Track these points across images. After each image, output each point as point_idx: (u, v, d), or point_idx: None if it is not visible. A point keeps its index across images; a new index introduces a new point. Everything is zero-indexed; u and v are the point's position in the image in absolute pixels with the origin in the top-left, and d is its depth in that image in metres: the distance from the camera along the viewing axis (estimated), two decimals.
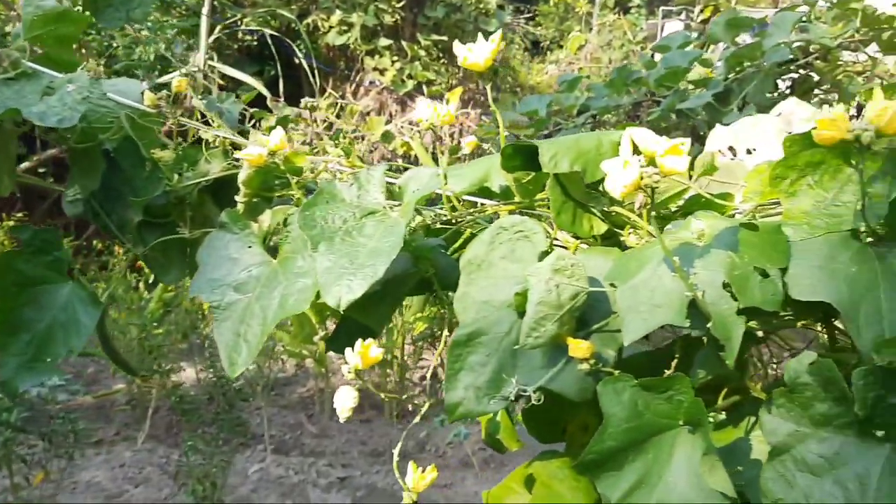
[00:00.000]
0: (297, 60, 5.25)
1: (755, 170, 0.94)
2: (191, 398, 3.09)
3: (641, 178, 0.66)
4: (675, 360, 0.88)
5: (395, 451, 0.94)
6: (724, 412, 0.88)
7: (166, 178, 1.15)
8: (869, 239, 0.79)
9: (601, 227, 0.97)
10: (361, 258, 0.92)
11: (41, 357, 1.10)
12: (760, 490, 0.78)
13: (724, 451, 0.92)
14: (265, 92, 4.54)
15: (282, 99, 3.93)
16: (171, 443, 3.38)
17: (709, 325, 0.73)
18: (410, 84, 5.41)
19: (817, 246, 0.78)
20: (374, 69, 5.53)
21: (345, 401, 0.89)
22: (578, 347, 0.83)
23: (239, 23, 5.86)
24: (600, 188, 0.93)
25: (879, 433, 0.72)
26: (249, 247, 1.10)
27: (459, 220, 1.04)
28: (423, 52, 5.70)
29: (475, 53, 0.97)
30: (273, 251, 1.09)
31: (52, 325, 1.12)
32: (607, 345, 0.87)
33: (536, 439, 1.12)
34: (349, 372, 0.89)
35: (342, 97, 5.67)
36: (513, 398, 0.86)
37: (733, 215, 0.89)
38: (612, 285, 0.83)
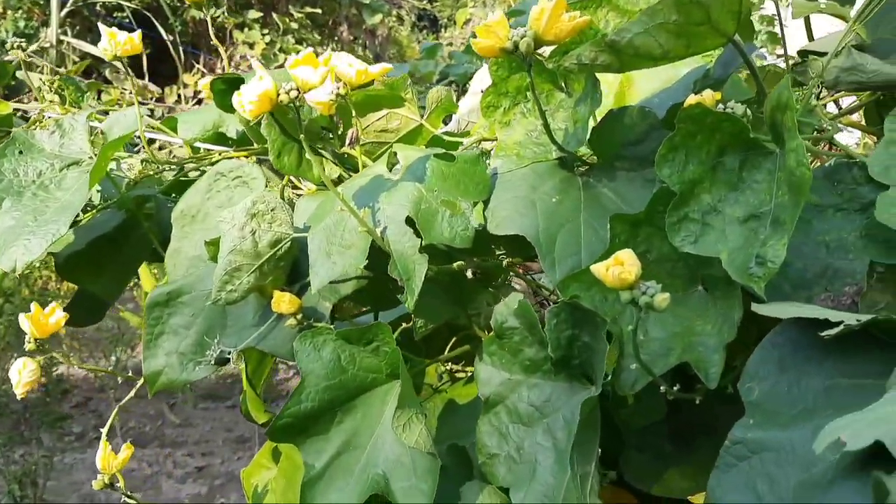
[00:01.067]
0: (168, 37, 4.96)
1: None
2: (2, 393, 2.87)
3: (277, 94, 0.57)
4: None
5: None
6: (450, 362, 0.81)
7: None
8: (582, 169, 0.73)
9: (335, 171, 0.88)
10: (48, 214, 0.81)
11: None
12: (476, 445, 0.71)
13: (469, 406, 0.86)
14: (122, 67, 4.25)
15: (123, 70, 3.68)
16: (17, 441, 3.13)
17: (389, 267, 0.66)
18: (282, 58, 5.20)
19: (522, 177, 0.71)
20: (244, 43, 5.30)
21: (19, 374, 0.77)
22: (281, 301, 0.75)
23: None
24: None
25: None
26: None
27: (184, 169, 0.94)
28: (295, 26, 5.49)
29: None
30: None
31: None
32: (326, 297, 0.79)
33: None
34: (28, 342, 0.77)
35: (212, 72, 5.40)
36: (213, 361, 0.77)
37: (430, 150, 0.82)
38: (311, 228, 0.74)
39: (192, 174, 0.94)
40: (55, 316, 0.76)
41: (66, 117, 0.90)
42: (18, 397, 0.79)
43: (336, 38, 6.34)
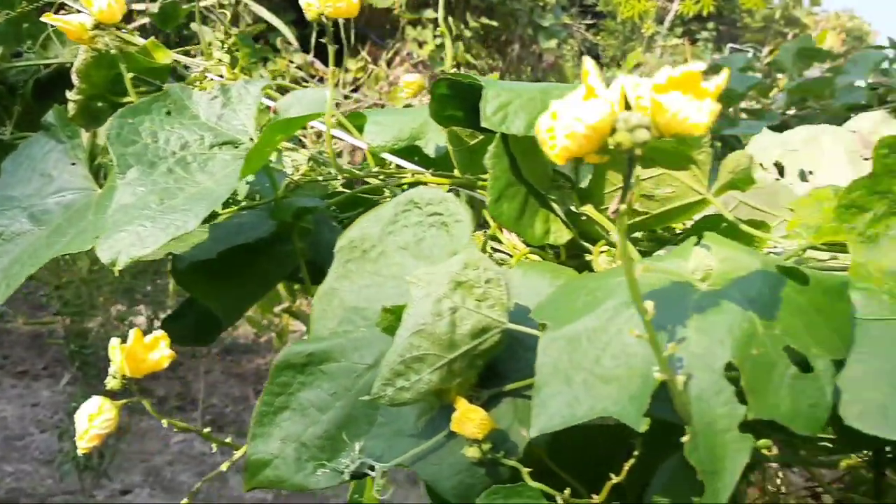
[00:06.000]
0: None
1: (812, 195, 0.61)
2: (93, 347, 2.79)
3: (613, 128, 0.32)
4: (632, 461, 0.54)
5: None
6: None
7: None
8: None
9: (563, 235, 0.63)
10: (179, 199, 0.60)
11: None
12: None
13: None
14: (293, 40, 4.23)
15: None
16: (99, 390, 3.05)
17: (684, 437, 0.39)
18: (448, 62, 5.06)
19: None
20: (414, 40, 5.19)
21: (88, 422, 0.56)
22: (468, 420, 0.50)
23: None
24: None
25: None
26: (73, 164, 0.77)
27: (365, 184, 0.71)
28: (469, 33, 5.34)
29: None
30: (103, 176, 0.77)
31: None
32: (524, 420, 0.54)
33: None
34: (112, 377, 0.56)
35: (375, 62, 5.32)
36: (347, 476, 0.53)
37: (768, 255, 0.55)
38: (542, 326, 0.49)
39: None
40: (158, 351, 0.55)
41: (235, 83, 0.69)
42: (79, 452, 0.57)
43: (504, 56, 6.17)
